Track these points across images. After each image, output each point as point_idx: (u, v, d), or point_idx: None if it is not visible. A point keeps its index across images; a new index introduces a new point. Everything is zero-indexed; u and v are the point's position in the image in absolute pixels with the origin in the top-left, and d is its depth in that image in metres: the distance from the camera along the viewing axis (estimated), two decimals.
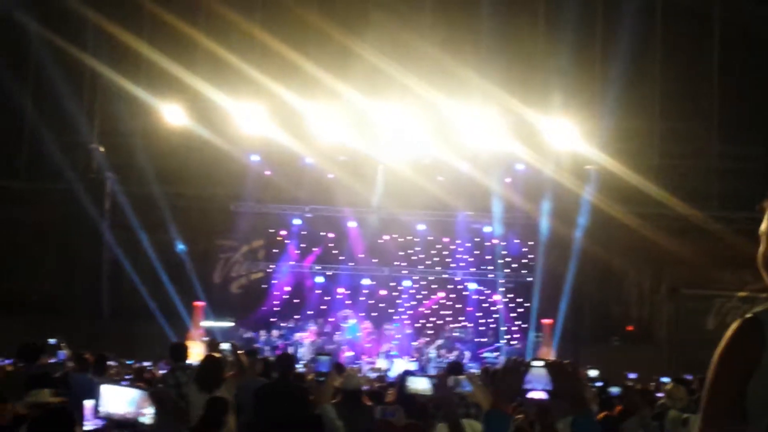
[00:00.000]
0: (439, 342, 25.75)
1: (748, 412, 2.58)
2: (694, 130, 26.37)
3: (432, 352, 25.01)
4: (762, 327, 2.61)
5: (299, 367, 17.42)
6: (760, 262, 2.79)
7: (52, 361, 13.23)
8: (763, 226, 2.77)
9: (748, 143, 26.56)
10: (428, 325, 27.40)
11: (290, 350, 23.56)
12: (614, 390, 10.33)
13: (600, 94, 24.61)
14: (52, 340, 12.82)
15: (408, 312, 27.47)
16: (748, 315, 2.66)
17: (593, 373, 16.64)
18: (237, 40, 25.22)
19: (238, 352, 9.98)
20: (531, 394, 5.08)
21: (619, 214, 24.85)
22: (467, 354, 25.12)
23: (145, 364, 17.41)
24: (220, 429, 7.36)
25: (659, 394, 13.05)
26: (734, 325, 2.67)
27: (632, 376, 17.67)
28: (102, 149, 25.99)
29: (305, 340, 25.49)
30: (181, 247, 25.88)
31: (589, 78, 25.24)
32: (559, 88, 24.03)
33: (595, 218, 25.02)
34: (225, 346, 12.34)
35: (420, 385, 5.73)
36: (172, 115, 24.93)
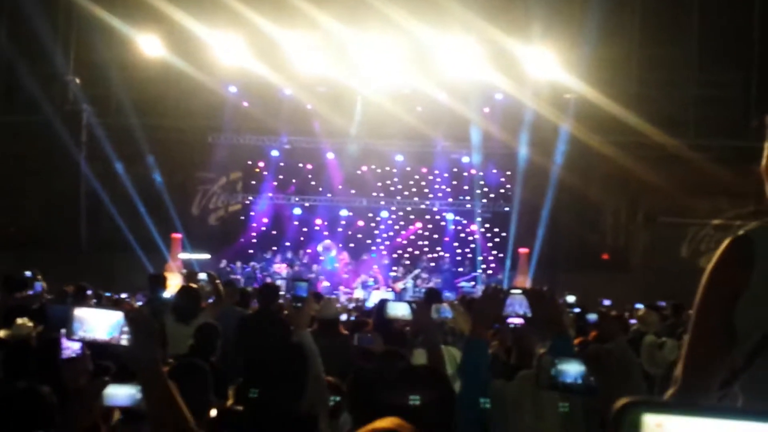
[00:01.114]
0: (416, 272, 25.88)
1: (738, 333, 2.59)
2: (672, 57, 26.31)
3: (409, 281, 25.16)
4: (752, 245, 2.59)
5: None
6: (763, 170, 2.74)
7: (30, 293, 13.23)
8: None
9: (726, 70, 26.52)
10: (406, 255, 27.53)
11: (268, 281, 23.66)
12: (591, 317, 10.45)
13: (579, 23, 24.45)
14: (28, 273, 12.78)
15: (386, 243, 27.59)
16: (739, 233, 2.64)
17: (570, 298, 16.77)
18: None
19: (216, 282, 10.02)
20: (510, 320, 5.16)
21: (597, 143, 24.88)
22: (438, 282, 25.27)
23: (123, 295, 17.45)
24: (213, 354, 7.44)
25: (633, 321, 13.25)
26: (724, 244, 2.64)
27: (607, 302, 17.87)
28: (78, 81, 25.73)
29: (282, 271, 25.59)
30: (158, 179, 25.76)
31: (569, 6, 25.06)
32: (538, 17, 23.85)
33: (573, 148, 25.08)
34: (202, 276, 12.40)
35: (399, 311, 5.77)
36: (149, 45, 24.63)
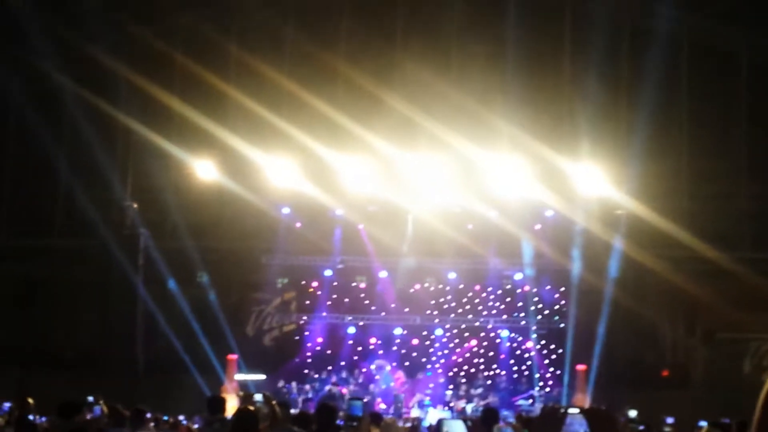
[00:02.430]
0: (479, 391, 25.66)
1: None
2: (722, 170, 26.33)
3: (471, 404, 24.91)
4: None
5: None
6: None
7: (89, 417, 13.33)
8: None
9: None
10: (461, 373, 27.29)
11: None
12: None
13: (627, 139, 24.66)
14: (90, 398, 12.91)
15: (440, 361, 27.41)
16: None
17: (633, 413, 16.54)
18: (267, 93, 25.54)
19: (272, 403, 10.04)
20: None
21: (650, 259, 24.77)
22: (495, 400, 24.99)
23: (180, 417, 17.47)
24: None
25: None
26: None
27: (670, 420, 17.55)
28: (135, 205, 26.29)
29: (343, 391, 25.52)
30: (213, 300, 25.95)
31: (616, 122, 25.33)
32: (586, 134, 24.13)
33: (625, 263, 24.96)
34: (258, 397, 12.43)
35: (456, 428, 5.75)
36: (203, 169, 25.22)
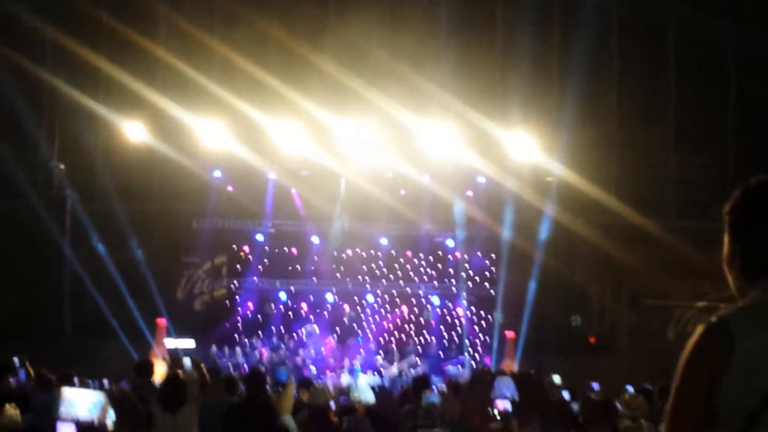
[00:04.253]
0: (411, 358, 25.81)
1: (719, 417, 2.62)
2: (650, 139, 26.69)
3: (395, 370, 25.01)
4: (729, 331, 2.63)
5: None
6: (725, 263, 2.83)
7: (12, 380, 13.13)
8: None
9: (703, 152, 26.90)
10: (392, 339, 27.43)
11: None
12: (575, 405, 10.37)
13: (558, 106, 24.84)
14: (15, 359, 12.69)
15: (372, 327, 27.51)
16: (713, 319, 2.69)
17: (557, 378, 16.73)
18: (197, 54, 25.24)
19: (201, 368, 9.97)
20: (498, 403, 5.17)
21: (579, 226, 25.02)
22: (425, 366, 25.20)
23: (103, 381, 17.31)
24: None
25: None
26: (699, 330, 2.69)
27: (596, 386, 17.80)
28: (63, 167, 25.81)
29: (265, 357, 25.50)
30: (142, 264, 25.65)
31: (548, 90, 25.49)
32: (518, 101, 24.24)
33: (555, 230, 25.22)
34: (187, 362, 12.33)
35: (365, 392, 5.76)
36: (133, 131, 24.79)
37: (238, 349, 25.88)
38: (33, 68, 24.62)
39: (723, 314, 2.69)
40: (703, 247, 23.20)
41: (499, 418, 6.56)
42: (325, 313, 27.52)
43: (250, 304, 27.54)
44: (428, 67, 24.68)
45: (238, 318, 27.39)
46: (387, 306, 27.77)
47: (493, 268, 27.06)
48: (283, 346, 26.40)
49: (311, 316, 27.40)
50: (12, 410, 7.25)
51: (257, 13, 25.74)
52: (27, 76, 24.58)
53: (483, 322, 27.24)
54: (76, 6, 25.13)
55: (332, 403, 12.13)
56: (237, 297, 27.63)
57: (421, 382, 9.11)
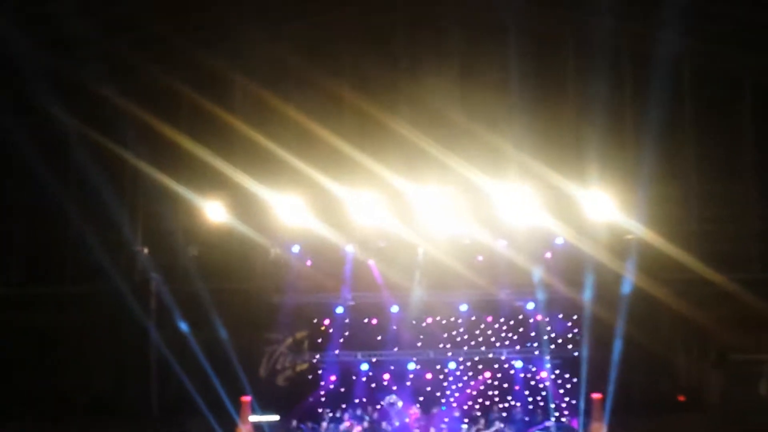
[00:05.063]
0: (498, 426, 25.55)
1: None
2: (730, 193, 26.48)
3: None
4: None
5: None
6: None
7: None
8: None
9: None
10: (476, 406, 27.18)
11: None
12: None
13: (635, 163, 24.81)
14: None
15: (455, 394, 27.31)
16: None
17: None
18: (273, 127, 25.71)
19: None
20: None
21: (660, 284, 24.79)
22: None
23: None
24: None
25: None
26: None
27: None
28: (146, 250, 26.23)
29: (352, 430, 25.40)
30: (225, 342, 25.83)
31: (623, 148, 25.53)
32: (593, 160, 24.22)
33: (636, 290, 24.94)
34: None
35: None
36: (213, 211, 25.16)
37: (323, 424, 25.85)
38: (114, 149, 25.23)
39: None
40: None
41: None
42: (408, 382, 27.38)
43: (332, 377, 27.51)
44: (502, 129, 24.86)
45: (322, 392, 27.36)
46: (470, 373, 27.55)
47: (575, 330, 26.78)
48: (367, 417, 26.29)
49: (394, 387, 27.27)
50: None
51: (331, 80, 26.18)
52: (109, 158, 25.19)
53: (568, 385, 26.89)
54: (155, 83, 25.79)
55: None
56: (320, 371, 27.63)
57: None
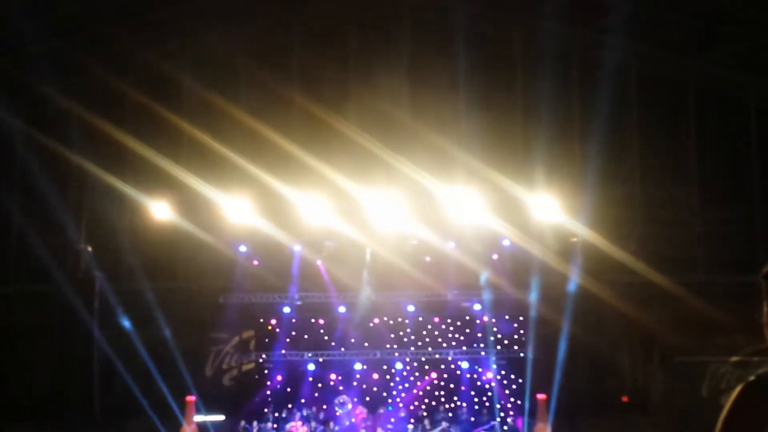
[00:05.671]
0: (444, 425, 25.60)
1: None
2: (674, 196, 26.75)
3: None
4: (766, 390, 2.66)
5: None
6: (765, 321, 2.84)
7: None
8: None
9: (729, 207, 26.91)
10: (422, 406, 27.23)
11: None
12: None
13: (582, 167, 24.97)
14: None
15: (402, 394, 27.34)
16: (752, 378, 2.71)
17: None
18: (220, 128, 25.52)
19: None
20: None
21: (606, 286, 24.96)
22: None
23: None
24: None
25: None
26: (739, 388, 2.71)
27: None
28: (90, 249, 25.94)
29: (299, 430, 25.34)
30: (170, 342, 25.64)
31: (570, 151, 25.66)
32: (541, 163, 24.37)
33: (581, 291, 25.10)
34: None
35: None
36: (158, 210, 24.95)
37: (268, 424, 25.77)
38: (58, 148, 24.92)
39: (762, 372, 2.69)
40: (733, 303, 23.23)
41: None
42: (354, 383, 27.37)
43: (279, 377, 27.43)
44: (451, 130, 24.91)
45: (268, 391, 27.27)
46: (416, 373, 27.61)
47: (521, 331, 26.93)
48: (313, 418, 26.24)
49: (340, 387, 27.25)
50: None
51: (280, 82, 26.06)
52: (53, 157, 24.87)
53: (513, 385, 27.04)
54: (100, 84, 25.52)
55: None
56: (266, 371, 27.53)
57: None
